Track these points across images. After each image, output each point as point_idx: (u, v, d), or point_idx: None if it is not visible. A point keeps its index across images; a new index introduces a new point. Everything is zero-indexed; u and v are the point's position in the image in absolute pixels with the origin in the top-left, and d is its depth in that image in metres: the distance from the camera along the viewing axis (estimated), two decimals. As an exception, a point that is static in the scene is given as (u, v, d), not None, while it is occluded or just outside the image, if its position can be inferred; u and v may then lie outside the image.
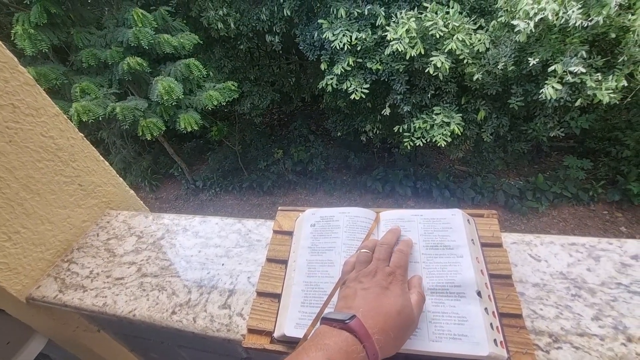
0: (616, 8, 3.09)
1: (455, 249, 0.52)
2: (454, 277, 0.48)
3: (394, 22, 4.01)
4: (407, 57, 4.00)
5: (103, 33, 4.70)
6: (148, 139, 4.44)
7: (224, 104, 4.98)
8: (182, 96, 4.35)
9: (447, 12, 3.85)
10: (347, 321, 0.39)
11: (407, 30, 3.76)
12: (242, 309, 0.59)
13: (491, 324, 0.45)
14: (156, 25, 4.45)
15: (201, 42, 5.08)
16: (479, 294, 0.46)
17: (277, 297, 0.55)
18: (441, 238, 0.54)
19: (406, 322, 0.43)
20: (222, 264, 0.68)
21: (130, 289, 0.67)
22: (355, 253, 0.53)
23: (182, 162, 7.42)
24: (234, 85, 5.05)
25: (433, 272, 0.50)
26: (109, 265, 0.73)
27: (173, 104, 4.34)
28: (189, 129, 4.55)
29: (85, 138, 0.85)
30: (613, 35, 3.54)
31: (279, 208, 0.69)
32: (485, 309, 0.46)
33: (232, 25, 5.13)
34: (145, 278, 0.68)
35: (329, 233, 0.58)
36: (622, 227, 5.55)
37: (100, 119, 4.13)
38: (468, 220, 0.56)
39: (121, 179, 0.96)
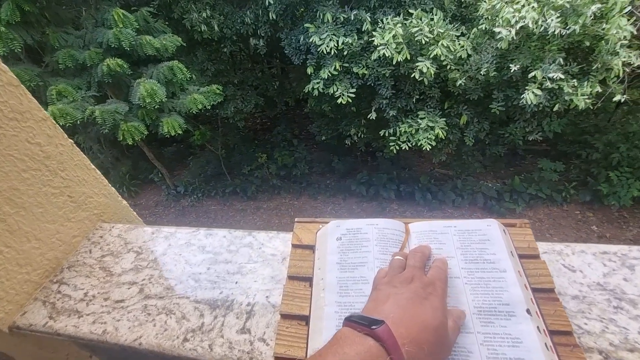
0: (591, 17, 3.24)
1: (497, 262, 0.49)
2: (500, 294, 0.45)
3: (380, 27, 4.05)
4: (394, 62, 4.04)
5: (81, 33, 4.47)
6: (129, 143, 4.26)
7: (208, 107, 4.86)
8: (165, 99, 4.20)
9: (432, 19, 3.92)
10: (374, 327, 0.34)
11: (394, 36, 3.80)
12: (263, 332, 0.54)
13: (546, 344, 0.42)
14: (138, 27, 4.29)
15: (184, 44, 4.95)
16: (528, 311, 0.44)
17: (305, 319, 0.50)
18: (480, 251, 0.51)
19: (443, 342, 0.38)
20: (236, 282, 0.62)
21: (133, 313, 0.60)
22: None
23: (163, 167, 7.18)
24: (218, 89, 4.93)
25: (477, 289, 0.47)
26: (106, 285, 0.66)
27: (156, 107, 4.18)
28: (173, 133, 4.40)
29: (74, 144, 0.77)
30: (587, 44, 3.72)
31: (297, 220, 0.65)
32: (537, 327, 0.43)
33: (215, 27, 5.04)
34: (150, 300, 0.62)
35: (358, 247, 0.54)
36: (594, 226, 5.81)
37: (78, 122, 3.91)
38: (504, 230, 0.54)
39: (113, 188, 0.89)
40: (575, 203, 6.10)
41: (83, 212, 0.78)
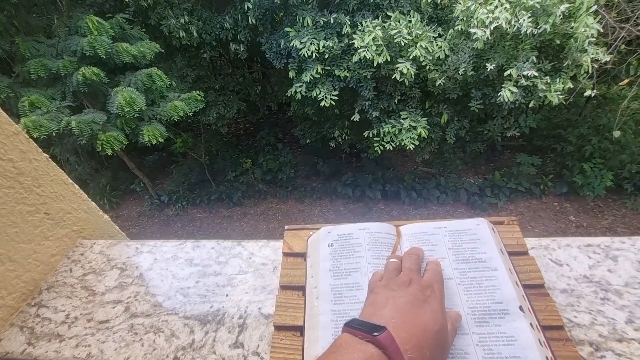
0: (560, 16, 3.37)
1: (488, 261, 0.49)
2: (493, 293, 0.46)
3: (359, 30, 4.09)
4: (374, 64, 4.09)
5: (53, 42, 4.31)
6: (108, 154, 4.13)
7: (190, 114, 4.77)
8: (145, 107, 4.09)
9: (410, 21, 3.99)
10: (375, 334, 0.34)
11: (374, 38, 3.85)
12: (257, 346, 0.53)
13: (539, 339, 0.42)
14: (113, 34, 4.17)
15: (162, 50, 4.85)
16: (521, 308, 0.44)
17: (300, 329, 0.49)
18: (471, 251, 0.51)
19: (443, 345, 0.38)
20: (226, 295, 0.61)
21: (119, 333, 0.57)
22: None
23: (145, 176, 7.00)
24: (199, 95, 4.85)
25: (470, 289, 0.47)
26: (89, 306, 0.63)
27: (135, 115, 4.07)
28: (154, 142, 4.29)
29: (50, 159, 0.74)
30: (558, 42, 3.86)
31: (287, 227, 0.63)
32: (530, 324, 0.43)
33: (194, 33, 4.96)
34: (136, 319, 0.59)
35: (350, 253, 0.54)
36: (571, 216, 6.02)
37: (54, 134, 3.76)
38: (493, 229, 0.54)
39: (93, 203, 0.85)
40: (552, 195, 6.31)
41: (61, 229, 0.75)
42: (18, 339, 0.60)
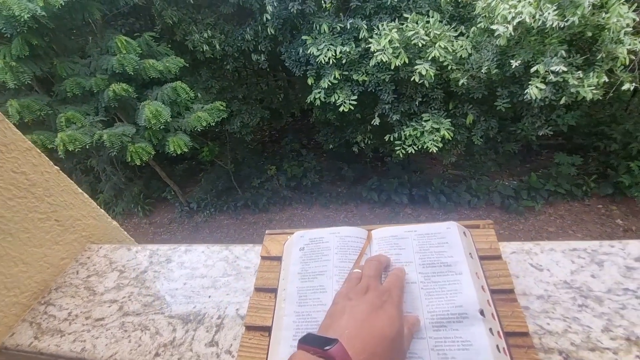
0: (590, 8, 3.18)
1: (453, 265, 0.49)
2: (454, 297, 0.45)
3: (376, 34, 4.09)
4: (392, 67, 4.06)
5: (87, 61, 4.69)
6: (137, 164, 4.40)
7: (213, 124, 4.97)
8: (170, 119, 4.33)
9: (428, 22, 3.93)
10: (326, 348, 0.34)
11: (390, 41, 3.82)
12: (230, 345, 0.55)
13: (497, 345, 0.41)
14: (141, 51, 4.47)
15: (187, 64, 5.11)
16: (481, 312, 0.43)
17: (268, 330, 0.51)
18: (438, 255, 0.51)
19: (399, 350, 0.38)
20: (209, 296, 0.64)
21: (111, 330, 0.62)
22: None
23: (175, 184, 7.34)
24: (222, 105, 5.05)
25: (432, 293, 0.47)
26: (89, 305, 0.69)
27: (161, 127, 4.31)
28: (179, 152, 4.51)
29: (60, 171, 0.81)
30: (589, 34, 3.64)
31: (267, 232, 0.66)
32: (490, 329, 0.42)
33: (217, 46, 5.18)
34: (127, 317, 0.64)
35: (319, 256, 0.55)
36: (618, 219, 5.58)
37: (88, 147, 4.08)
38: (464, 232, 0.54)
39: (102, 210, 0.92)
40: (596, 197, 5.89)
41: (71, 234, 0.82)
42: (27, 333, 0.67)
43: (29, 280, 0.72)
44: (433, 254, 0.51)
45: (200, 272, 0.69)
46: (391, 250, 0.53)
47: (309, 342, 0.37)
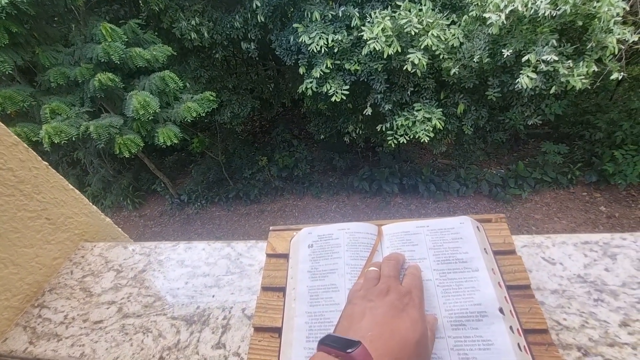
0: (582, -4, 3.18)
1: (469, 261, 0.47)
2: (472, 295, 0.44)
3: (368, 22, 4.02)
4: (385, 56, 4.01)
5: (71, 50, 4.50)
6: (126, 156, 4.28)
7: (203, 114, 4.86)
8: (159, 110, 4.20)
9: (420, 10, 3.88)
10: (349, 351, 0.32)
11: (383, 29, 3.77)
12: (238, 347, 0.53)
13: (518, 344, 0.40)
14: (127, 39, 4.30)
15: (175, 53, 4.95)
16: (501, 310, 0.42)
17: (278, 331, 0.50)
18: (452, 251, 0.49)
19: (424, 354, 0.36)
20: (213, 296, 0.62)
21: (111, 333, 0.59)
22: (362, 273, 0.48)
23: (165, 176, 7.22)
24: (212, 95, 4.93)
25: (448, 291, 0.45)
26: (86, 307, 0.66)
27: (150, 118, 4.19)
28: (169, 143, 4.41)
29: (50, 167, 0.77)
30: (580, 23, 3.65)
31: (271, 228, 0.63)
32: (510, 327, 0.41)
33: (205, 34, 5.03)
34: (127, 319, 0.61)
35: (329, 254, 0.53)
36: (602, 206, 5.73)
37: (74, 139, 3.94)
38: (477, 227, 0.52)
39: (95, 207, 0.88)
40: (581, 184, 6.03)
41: (63, 233, 0.78)
42: (21, 339, 0.63)
43: (20, 283, 0.68)
44: (447, 250, 0.50)
45: (202, 271, 0.67)
46: (404, 246, 0.52)
47: (330, 343, 0.35)
